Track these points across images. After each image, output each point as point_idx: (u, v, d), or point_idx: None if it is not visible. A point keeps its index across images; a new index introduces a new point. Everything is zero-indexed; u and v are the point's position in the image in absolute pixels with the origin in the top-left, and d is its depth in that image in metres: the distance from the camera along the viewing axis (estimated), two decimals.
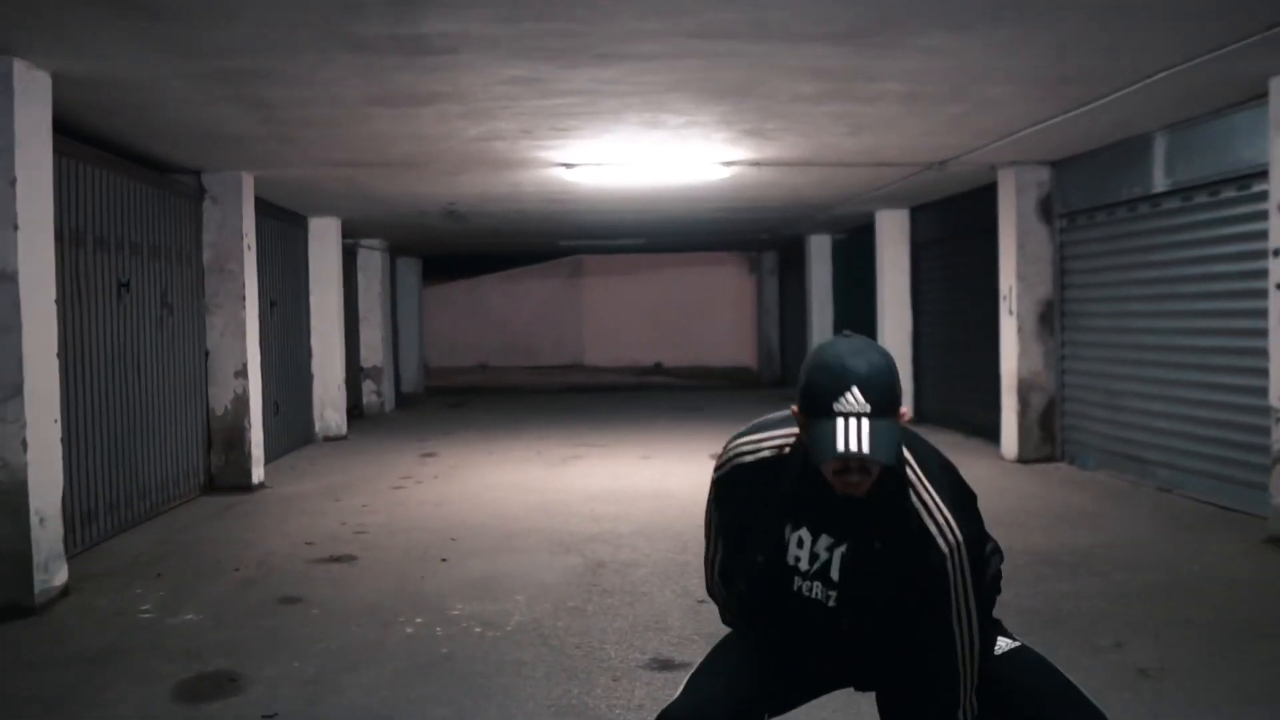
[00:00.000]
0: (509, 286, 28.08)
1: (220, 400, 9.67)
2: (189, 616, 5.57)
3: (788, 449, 2.44)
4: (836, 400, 2.20)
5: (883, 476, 2.29)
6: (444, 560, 6.72)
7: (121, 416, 7.84)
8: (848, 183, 11.37)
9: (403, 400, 18.72)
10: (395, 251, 19.08)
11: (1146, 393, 9.06)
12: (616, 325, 26.81)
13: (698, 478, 9.68)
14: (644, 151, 8.94)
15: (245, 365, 9.69)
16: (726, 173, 10.07)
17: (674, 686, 4.23)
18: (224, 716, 4.19)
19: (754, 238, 19.26)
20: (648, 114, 7.51)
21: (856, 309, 15.89)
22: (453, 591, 5.95)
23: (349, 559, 6.84)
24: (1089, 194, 9.79)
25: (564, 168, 9.72)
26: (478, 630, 5.24)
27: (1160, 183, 8.67)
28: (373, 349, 16.79)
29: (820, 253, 17.76)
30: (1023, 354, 10.47)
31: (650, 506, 8.36)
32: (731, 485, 2.54)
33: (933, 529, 2.33)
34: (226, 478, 9.64)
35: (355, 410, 16.02)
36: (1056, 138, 8.87)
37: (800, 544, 2.43)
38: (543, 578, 6.23)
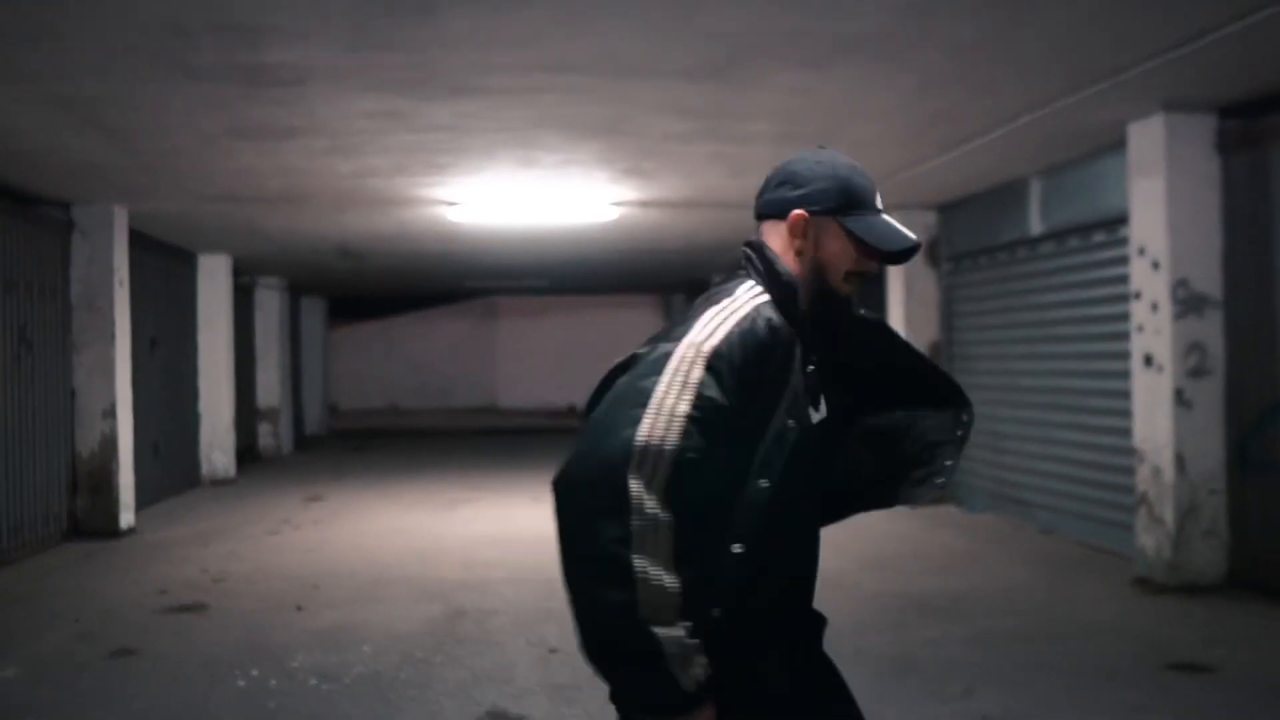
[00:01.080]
0: (421, 328, 27.74)
1: (86, 442, 9.28)
2: (8, 673, 5.24)
3: (759, 287, 2.04)
4: (877, 197, 2.10)
5: None
6: (299, 609, 6.45)
7: None
8: (741, 225, 11.31)
9: (305, 443, 18.29)
10: (297, 291, 18.73)
11: (1027, 435, 9.10)
12: (530, 367, 26.63)
13: None
14: (524, 190, 8.83)
15: (114, 405, 9.32)
16: (615, 213, 10.00)
17: None
18: None
19: (662, 280, 19.24)
20: (520, 150, 7.40)
21: None
22: (299, 643, 5.70)
23: (200, 608, 6.54)
24: (972, 238, 9.88)
25: (447, 206, 9.56)
26: (313, 683, 4.99)
27: (1036, 227, 8.76)
28: (269, 390, 16.38)
29: None
30: None
31: (527, 551, 8.15)
32: (755, 343, 1.95)
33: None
34: (92, 523, 9.23)
35: (250, 453, 15.60)
36: (938, 181, 8.95)
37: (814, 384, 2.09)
38: (398, 627, 5.99)
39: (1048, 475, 8.78)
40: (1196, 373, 6.66)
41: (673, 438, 1.83)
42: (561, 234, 11.59)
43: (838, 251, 2.05)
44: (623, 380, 1.98)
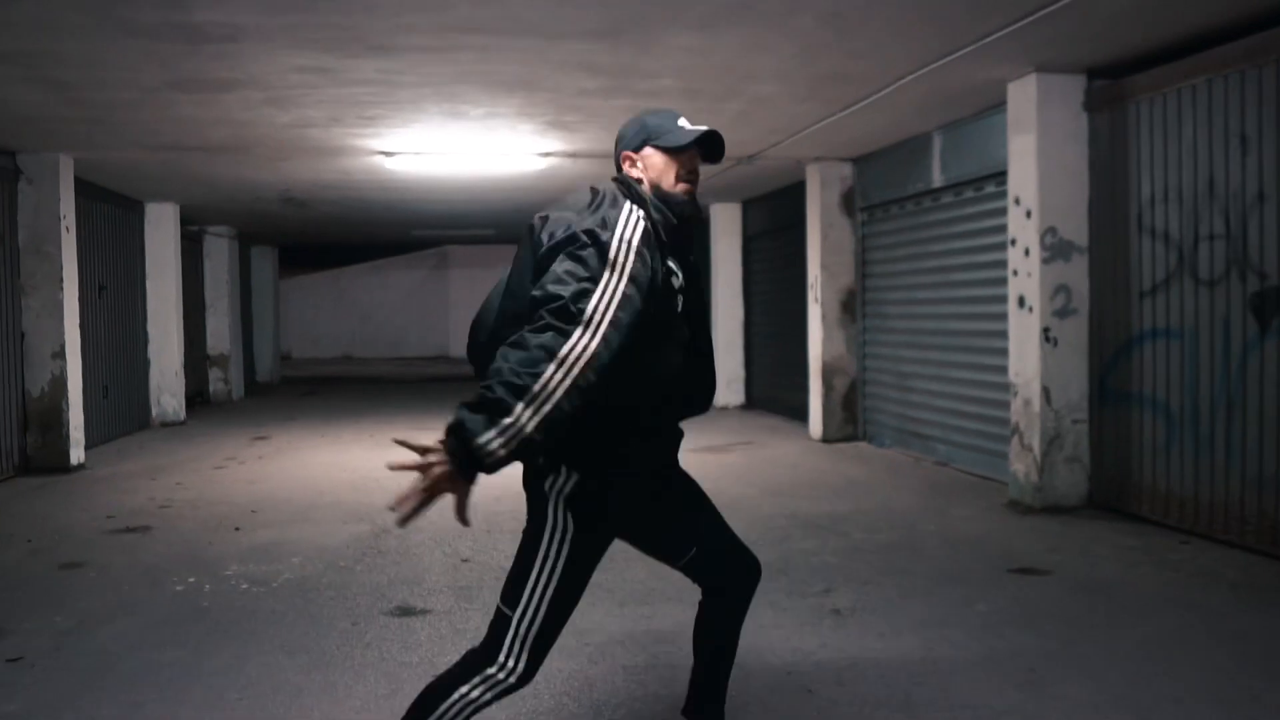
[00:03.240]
0: (373, 278, 28.09)
1: (36, 382, 9.71)
2: None
3: (627, 199, 2.75)
4: (680, 118, 2.87)
5: None
6: (237, 529, 6.99)
7: None
8: None
9: (256, 389, 18.71)
10: (247, 240, 19.04)
11: (928, 374, 9.76)
12: None
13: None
14: (455, 140, 9.29)
15: (63, 347, 9.75)
16: (544, 163, 10.47)
17: (409, 631, 4.64)
18: None
19: None
20: (446, 104, 7.87)
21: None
22: (234, 556, 6.24)
23: (144, 529, 7.06)
24: (884, 189, 10.46)
25: (384, 155, 10.01)
26: (244, 587, 5.55)
27: (938, 179, 9.36)
28: (219, 337, 16.78)
29: None
30: (826, 340, 11.11)
31: None
32: (646, 235, 2.67)
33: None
34: (43, 459, 9.69)
35: (200, 397, 16.03)
36: (850, 135, 9.49)
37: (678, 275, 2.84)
38: (326, 543, 6.55)
39: (945, 411, 9.44)
40: (1062, 313, 7.30)
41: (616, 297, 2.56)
42: (498, 182, 12.04)
43: (659, 164, 2.84)
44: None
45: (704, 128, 2.85)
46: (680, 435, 3.05)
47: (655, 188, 2.83)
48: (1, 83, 6.97)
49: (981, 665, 4.24)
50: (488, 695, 2.74)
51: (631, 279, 2.55)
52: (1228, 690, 3.94)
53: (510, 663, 2.73)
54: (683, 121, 2.86)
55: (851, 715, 3.76)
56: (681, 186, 2.84)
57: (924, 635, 4.64)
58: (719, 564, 3.14)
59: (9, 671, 4.28)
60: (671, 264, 2.78)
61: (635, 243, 2.59)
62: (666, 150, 2.83)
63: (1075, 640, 4.53)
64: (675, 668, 4.22)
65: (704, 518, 3.13)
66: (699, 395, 2.99)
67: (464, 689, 2.73)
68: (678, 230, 2.82)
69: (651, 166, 2.84)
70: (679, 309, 2.83)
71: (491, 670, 2.73)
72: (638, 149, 2.86)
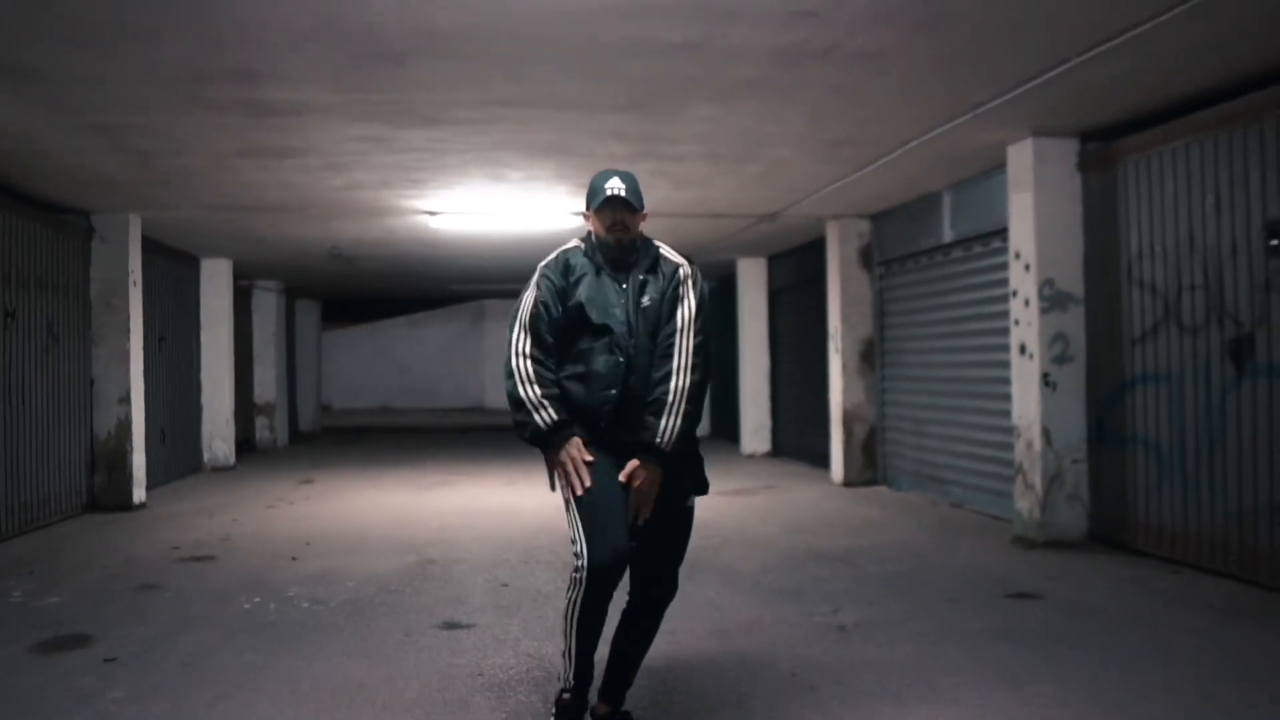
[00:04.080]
0: (411, 330, 28.86)
1: (104, 425, 10.40)
2: (54, 599, 6.36)
3: (581, 245, 3.94)
4: (607, 184, 3.82)
5: (639, 241, 3.88)
6: (294, 559, 7.57)
7: (5, 437, 8.58)
8: (694, 232, 12.50)
9: (298, 437, 19.41)
10: (293, 293, 19.84)
11: (942, 419, 10.25)
12: None
13: (548, 498, 10.61)
14: (496, 201, 9.98)
15: (129, 393, 10.44)
16: (578, 221, 11.12)
17: (456, 640, 5.19)
18: (72, 661, 5.02)
19: None
20: (488, 169, 8.55)
21: (725, 351, 16.99)
22: (294, 581, 6.82)
23: (208, 559, 7.66)
24: (900, 244, 11.03)
25: (428, 215, 10.70)
26: (305, 605, 6.12)
27: (948, 234, 9.93)
28: (266, 386, 17.51)
29: None
30: (847, 388, 11.64)
31: (494, 521, 9.29)
32: (561, 265, 3.87)
33: (675, 259, 3.95)
34: (109, 498, 10.35)
35: (247, 444, 16.72)
36: (866, 193, 10.10)
37: (607, 290, 3.82)
38: (377, 570, 7.12)
39: (958, 455, 9.93)
40: (1060, 359, 7.81)
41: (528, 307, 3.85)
42: (534, 239, 12.71)
43: (596, 223, 3.88)
44: None
45: (610, 191, 3.79)
46: (616, 423, 3.79)
47: (595, 235, 3.88)
48: (88, 152, 7.71)
49: (968, 670, 4.73)
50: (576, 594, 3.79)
51: (535, 286, 3.84)
52: (1185, 693, 4.41)
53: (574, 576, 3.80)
54: (610, 183, 3.80)
55: (847, 707, 4.26)
56: (610, 237, 3.82)
57: (919, 646, 5.13)
58: (634, 569, 3.90)
59: (108, 669, 4.86)
60: (588, 285, 3.81)
61: (540, 268, 3.89)
62: (594, 211, 3.85)
63: (1056, 652, 5.01)
64: (692, 669, 4.73)
65: (659, 534, 3.85)
66: (619, 390, 3.77)
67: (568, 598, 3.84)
68: (614, 263, 3.84)
69: (594, 224, 3.89)
70: (592, 319, 3.78)
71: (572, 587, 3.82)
72: (588, 210, 3.91)
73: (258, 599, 6.30)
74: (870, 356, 11.66)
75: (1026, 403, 7.96)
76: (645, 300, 3.80)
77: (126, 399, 10.45)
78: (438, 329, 28.84)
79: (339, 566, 7.28)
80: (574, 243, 3.94)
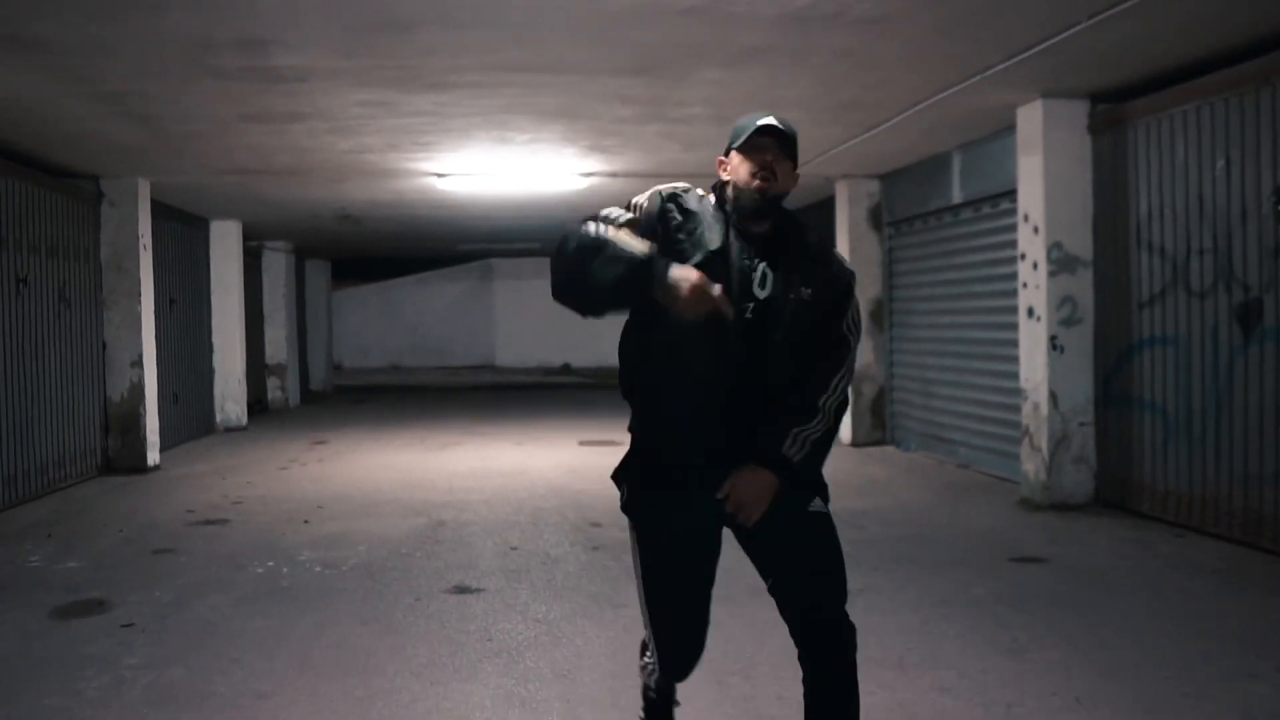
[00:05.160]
0: (420, 289, 28.89)
1: (117, 388, 10.48)
2: (72, 564, 6.46)
3: (709, 194, 3.02)
4: (760, 117, 2.92)
5: (784, 217, 2.96)
6: (306, 522, 7.66)
7: (20, 401, 8.67)
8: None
9: (310, 397, 19.51)
10: (302, 254, 19.86)
11: (950, 380, 10.27)
12: (526, 327, 27.71)
13: (558, 460, 10.74)
14: (503, 162, 9.96)
15: (141, 356, 10.51)
16: (586, 183, 11.12)
17: (465, 605, 5.26)
18: (90, 627, 5.11)
19: None
20: (494, 131, 8.53)
21: None
22: (306, 544, 6.91)
23: (222, 522, 7.75)
24: (909, 204, 11.00)
25: (436, 177, 10.70)
26: (318, 570, 6.21)
27: (957, 195, 9.89)
28: (277, 347, 17.59)
29: None
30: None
31: (504, 482, 9.37)
32: (658, 206, 2.93)
33: (839, 257, 3.05)
34: (123, 460, 10.45)
35: (259, 405, 16.82)
36: (876, 153, 10.05)
37: (735, 262, 2.87)
38: (388, 533, 7.21)
39: (965, 416, 9.96)
40: (1068, 322, 7.81)
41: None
42: (543, 200, 12.71)
43: (736, 164, 2.94)
44: None
45: (762, 121, 2.91)
46: (723, 442, 2.90)
47: (733, 185, 2.94)
48: (96, 119, 7.71)
49: (970, 635, 4.80)
50: (649, 678, 3.36)
51: (625, 226, 2.84)
52: (1182, 654, 4.47)
53: (648, 657, 3.30)
54: (764, 119, 2.91)
55: None
56: (754, 183, 2.87)
57: (922, 612, 5.19)
58: (786, 614, 2.98)
59: (125, 634, 4.96)
60: (716, 247, 2.87)
61: (635, 201, 2.95)
62: (738, 150, 2.94)
63: (1057, 616, 5.07)
64: None
65: (789, 552, 2.97)
66: (731, 410, 2.88)
67: (642, 659, 3.40)
68: (749, 221, 2.91)
69: (733, 169, 2.95)
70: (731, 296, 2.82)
71: (646, 657, 3.32)
72: (726, 154, 3.01)
73: (270, 563, 6.39)
74: (879, 316, 11.66)
75: (1034, 365, 7.97)
76: (806, 293, 2.88)
77: (139, 362, 10.52)
78: (447, 287, 28.86)
79: (351, 529, 7.36)
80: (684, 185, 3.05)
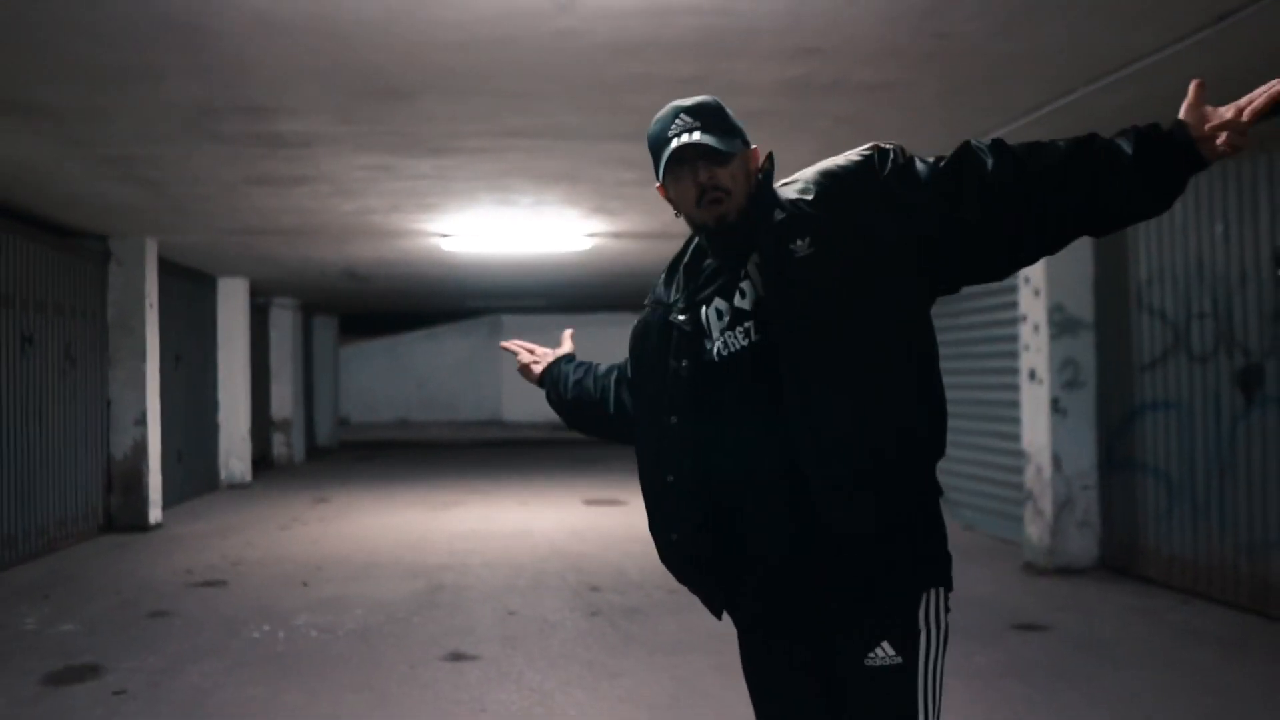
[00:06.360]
0: (428, 344, 28.96)
1: (120, 446, 10.49)
2: (67, 627, 6.42)
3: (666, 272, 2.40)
4: (669, 129, 2.19)
5: (749, 204, 2.19)
6: (305, 585, 7.61)
7: (22, 460, 8.67)
8: None
9: (316, 453, 19.50)
10: (310, 310, 19.95)
11: (956, 442, 10.18)
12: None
13: (561, 520, 10.68)
14: (506, 224, 10.02)
15: (144, 414, 10.53)
16: (590, 243, 11.17)
17: (459, 674, 5.20)
18: (82, 694, 5.07)
19: None
20: (497, 194, 8.59)
21: None
22: (303, 607, 6.86)
23: (220, 584, 7.71)
24: None
25: (441, 237, 10.76)
26: (313, 635, 6.16)
27: None
28: (283, 403, 17.61)
29: None
30: None
31: (505, 544, 9.31)
32: (641, 328, 2.40)
33: (830, 165, 2.23)
34: (125, 518, 10.43)
35: (264, 461, 16.81)
36: None
37: (716, 313, 2.23)
38: (385, 597, 7.15)
39: (970, 478, 9.89)
40: (1071, 385, 7.78)
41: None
42: (547, 260, 12.78)
43: (678, 197, 2.24)
44: None
45: (685, 137, 2.17)
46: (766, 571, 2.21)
47: (687, 219, 2.27)
48: (101, 181, 7.79)
49: (971, 709, 4.72)
50: None
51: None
52: None
53: None
54: (672, 128, 2.21)
55: None
56: (705, 214, 2.20)
57: None
58: None
59: (116, 702, 4.91)
60: (683, 303, 2.27)
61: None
62: (666, 178, 2.23)
63: (1061, 690, 4.99)
64: (694, 707, 4.74)
65: None
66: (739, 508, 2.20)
67: None
68: (732, 246, 2.21)
69: (676, 199, 2.27)
70: (669, 357, 2.27)
71: None
72: (661, 180, 2.26)
73: (266, 627, 6.34)
74: None
75: (1036, 428, 7.93)
76: (801, 246, 2.11)
77: (142, 420, 10.53)
78: (455, 342, 28.93)
79: (349, 593, 7.31)
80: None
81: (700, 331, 2.24)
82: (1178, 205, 6.90)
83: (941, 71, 5.64)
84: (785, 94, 5.88)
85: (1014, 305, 8.82)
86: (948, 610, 2.22)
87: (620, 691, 4.98)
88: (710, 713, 4.71)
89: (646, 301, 2.40)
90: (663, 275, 2.41)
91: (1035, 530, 7.92)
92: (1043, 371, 7.84)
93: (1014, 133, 6.76)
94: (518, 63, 5.22)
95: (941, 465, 8.78)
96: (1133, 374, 7.45)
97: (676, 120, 2.20)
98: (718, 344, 2.20)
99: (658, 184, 2.28)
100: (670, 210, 2.33)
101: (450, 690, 5.06)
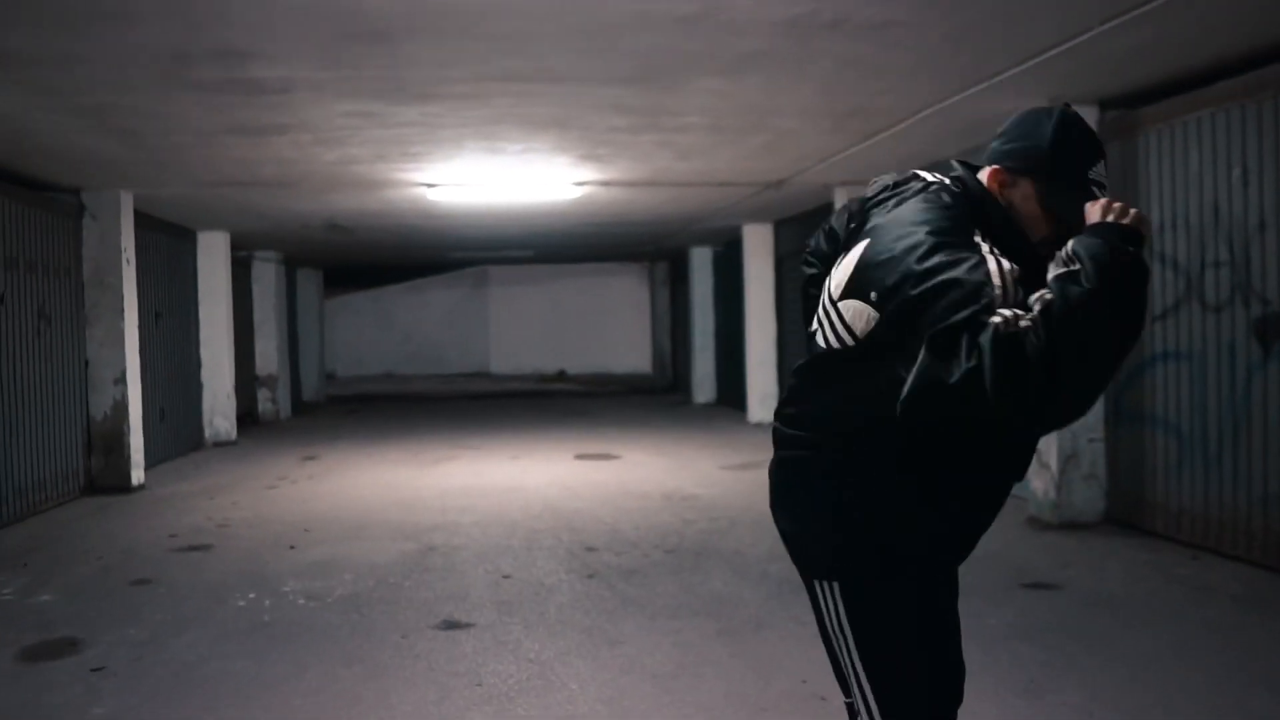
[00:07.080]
0: (414, 297, 28.62)
1: (100, 406, 10.22)
2: (45, 597, 6.20)
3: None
4: (1094, 168, 2.13)
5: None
6: (292, 548, 7.41)
7: None
8: (699, 199, 12.23)
9: (302, 408, 19.24)
10: (293, 263, 19.59)
11: None
12: (521, 334, 27.51)
13: (553, 475, 10.48)
14: (494, 173, 9.72)
15: (124, 373, 10.25)
16: (579, 192, 10.88)
17: (454, 644, 5.01)
18: (59, 671, 4.86)
19: (644, 248, 20.08)
20: (485, 142, 8.29)
21: (735, 317, 16.78)
22: (291, 573, 6.65)
23: (205, 548, 7.50)
24: None
25: (426, 187, 10.45)
26: (301, 602, 5.95)
27: None
28: (267, 358, 17.32)
29: (702, 264, 18.68)
30: None
31: (498, 500, 9.12)
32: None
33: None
34: (106, 479, 10.19)
35: (250, 417, 16.55)
36: (872, 161, 9.78)
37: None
38: (376, 560, 6.95)
39: None
40: None
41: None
42: (535, 209, 12.47)
43: (1032, 213, 2.15)
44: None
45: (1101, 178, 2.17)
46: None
47: (1012, 218, 2.22)
48: (74, 132, 7.47)
49: (984, 675, 4.54)
50: None
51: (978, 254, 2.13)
52: (1214, 696, 4.23)
53: None
54: (1097, 174, 2.19)
55: None
56: (1045, 239, 2.18)
57: None
58: None
59: (95, 679, 4.71)
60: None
61: (952, 223, 2.23)
62: (1051, 182, 2.19)
63: (1076, 652, 4.83)
64: (700, 676, 4.57)
65: None
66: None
67: None
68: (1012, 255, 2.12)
69: (1020, 205, 2.23)
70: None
71: None
72: (1018, 172, 2.23)
73: (252, 595, 6.13)
74: None
75: None
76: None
77: (122, 379, 10.26)
78: (442, 294, 28.57)
79: (338, 555, 7.11)
80: (932, 180, 2.30)
81: None
82: (1192, 151, 6.67)
83: (949, 10, 5.37)
84: (786, 35, 5.60)
85: None
86: None
87: (622, 660, 4.80)
88: (718, 681, 4.54)
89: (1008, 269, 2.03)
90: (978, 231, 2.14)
91: (1040, 484, 7.75)
92: None
93: (1022, 74, 6.50)
94: (509, 2, 4.92)
95: None
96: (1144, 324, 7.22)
97: (1100, 166, 2.21)
98: None
99: (1008, 172, 2.20)
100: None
101: (445, 662, 4.86)
